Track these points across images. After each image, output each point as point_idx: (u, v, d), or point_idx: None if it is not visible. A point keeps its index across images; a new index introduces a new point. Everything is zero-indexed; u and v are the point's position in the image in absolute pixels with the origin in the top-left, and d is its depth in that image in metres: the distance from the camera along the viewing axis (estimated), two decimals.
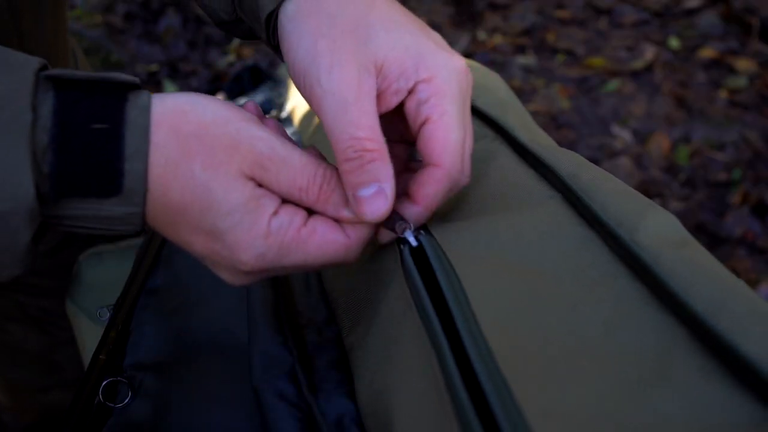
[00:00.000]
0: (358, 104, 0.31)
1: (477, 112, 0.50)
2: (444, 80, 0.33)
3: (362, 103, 0.31)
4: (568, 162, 0.39)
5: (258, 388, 0.39)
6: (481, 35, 1.95)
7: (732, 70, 1.76)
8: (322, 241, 0.33)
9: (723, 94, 1.70)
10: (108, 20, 1.91)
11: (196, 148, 0.30)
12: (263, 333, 0.43)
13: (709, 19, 1.91)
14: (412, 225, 0.34)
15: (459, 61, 0.34)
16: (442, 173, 0.33)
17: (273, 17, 0.36)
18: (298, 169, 0.32)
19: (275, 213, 0.32)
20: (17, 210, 0.27)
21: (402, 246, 0.35)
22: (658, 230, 0.32)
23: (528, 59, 1.86)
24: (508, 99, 0.55)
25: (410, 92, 0.33)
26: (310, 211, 0.34)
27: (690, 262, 0.30)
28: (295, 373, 0.40)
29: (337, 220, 0.34)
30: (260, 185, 0.32)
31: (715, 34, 1.87)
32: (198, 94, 0.32)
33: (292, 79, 0.34)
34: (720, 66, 1.78)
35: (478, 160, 0.43)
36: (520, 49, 1.90)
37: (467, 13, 2.05)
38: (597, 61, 1.82)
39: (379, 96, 0.33)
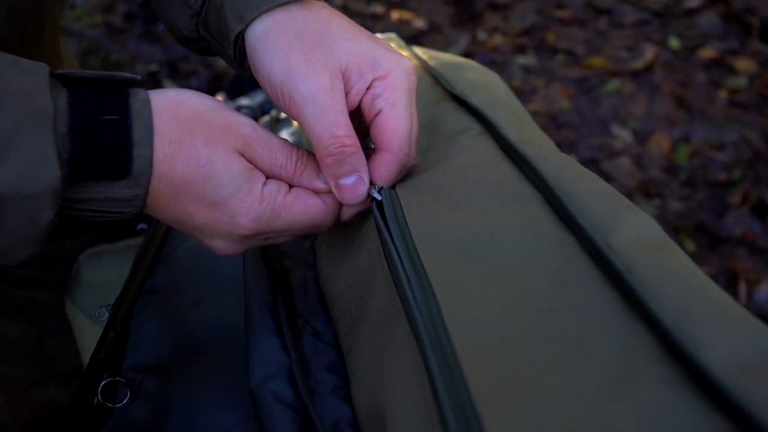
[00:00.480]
0: (335, 106, 0.36)
1: (468, 107, 0.50)
2: (395, 77, 0.38)
3: (337, 105, 0.37)
4: (555, 164, 0.39)
5: (255, 391, 0.39)
6: (481, 35, 1.95)
7: (732, 70, 1.76)
8: (306, 205, 0.38)
9: (723, 94, 1.70)
10: (108, 20, 1.91)
11: (196, 129, 0.35)
12: (261, 335, 0.43)
13: (709, 19, 1.91)
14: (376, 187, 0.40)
15: (407, 62, 0.40)
16: (393, 157, 0.39)
17: (240, 38, 0.40)
18: (277, 149, 0.38)
19: (264, 183, 0.37)
20: (46, 190, 0.31)
21: (373, 204, 0.39)
22: (633, 233, 0.33)
23: (528, 59, 1.86)
24: (506, 98, 0.55)
25: (367, 89, 0.39)
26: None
27: (662, 266, 0.30)
28: (293, 376, 0.39)
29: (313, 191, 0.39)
30: (248, 162, 0.37)
31: (715, 34, 1.87)
32: (184, 89, 0.37)
33: (267, 91, 0.39)
34: (720, 66, 1.78)
35: (463, 148, 0.43)
36: (520, 49, 1.90)
37: (467, 13, 2.05)
38: (597, 61, 1.82)
39: (345, 96, 0.38)
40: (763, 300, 1.26)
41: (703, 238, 1.38)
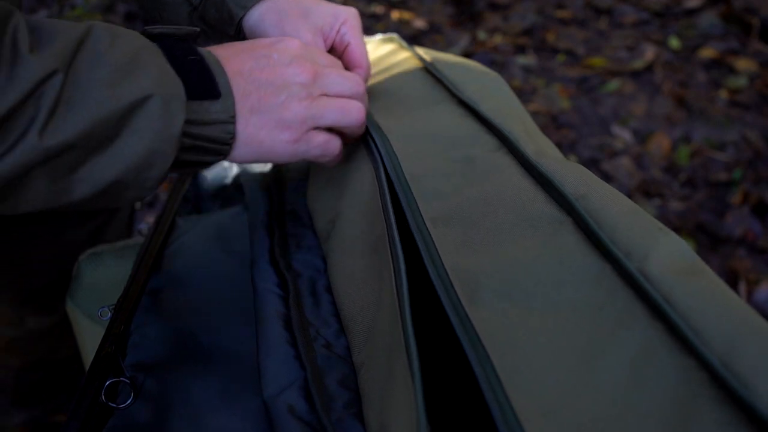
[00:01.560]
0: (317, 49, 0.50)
1: (481, 119, 0.50)
2: (351, 20, 0.54)
3: (319, 48, 0.52)
4: (575, 180, 0.39)
5: (269, 403, 0.39)
6: (481, 35, 1.95)
7: (732, 70, 1.76)
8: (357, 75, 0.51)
9: (723, 94, 1.70)
10: (108, 20, 1.91)
11: (249, 46, 0.46)
12: (274, 345, 0.43)
13: (709, 19, 1.91)
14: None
15: (354, 9, 0.56)
16: (364, 71, 0.54)
17: (239, 22, 0.53)
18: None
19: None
20: (177, 94, 0.38)
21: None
22: (668, 258, 0.32)
23: (528, 59, 1.86)
24: (511, 103, 0.55)
25: (336, 33, 0.54)
26: None
27: (702, 294, 0.30)
28: (308, 388, 0.39)
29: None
30: None
31: (715, 34, 1.87)
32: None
33: None
34: (720, 66, 1.78)
35: (484, 172, 0.42)
36: (520, 49, 1.90)
37: (467, 13, 2.05)
38: (597, 61, 1.82)
39: (324, 42, 0.54)
40: (763, 300, 1.26)
41: (704, 238, 1.38)
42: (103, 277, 0.61)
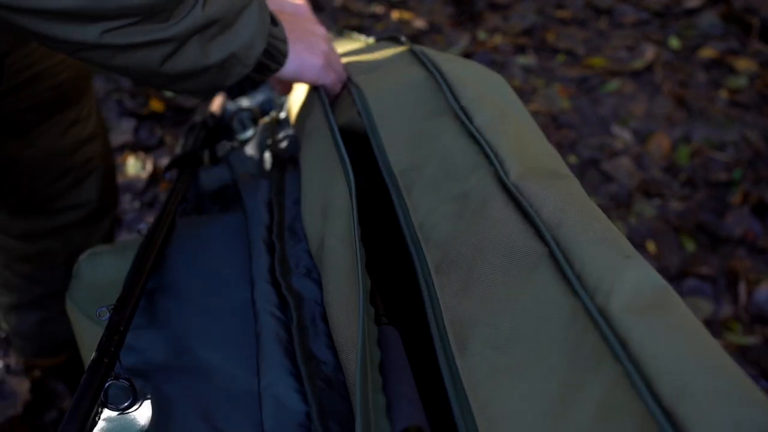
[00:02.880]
0: None
1: (471, 136, 0.51)
2: None
3: None
4: (553, 204, 0.41)
5: None
6: (481, 35, 1.95)
7: (732, 70, 1.76)
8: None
9: (723, 94, 1.70)
10: None
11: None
12: (275, 375, 0.43)
13: (709, 19, 1.91)
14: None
15: None
16: None
17: None
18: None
19: None
20: (265, 6, 0.56)
21: None
22: (632, 293, 0.34)
23: (528, 59, 1.86)
24: (509, 107, 0.56)
25: None
26: None
27: (660, 333, 0.32)
28: (310, 427, 0.39)
29: None
30: None
31: (715, 34, 1.87)
32: None
33: None
34: (720, 66, 1.78)
35: (477, 209, 0.45)
36: (520, 49, 1.90)
37: (467, 13, 2.05)
38: (597, 61, 1.82)
39: None
40: (763, 300, 1.26)
41: (704, 238, 1.38)
42: (102, 276, 0.61)
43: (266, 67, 0.59)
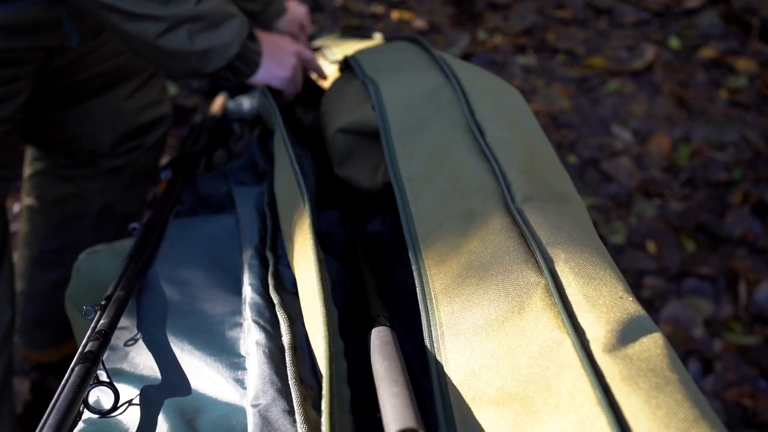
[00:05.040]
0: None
1: (482, 152, 0.52)
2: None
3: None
4: (551, 235, 0.43)
5: None
6: (481, 35, 1.95)
7: (732, 70, 1.76)
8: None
9: (723, 94, 1.70)
10: None
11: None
12: (265, 392, 0.42)
13: (709, 19, 1.91)
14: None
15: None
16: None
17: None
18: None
19: None
20: (246, 22, 0.73)
21: None
22: (609, 337, 0.36)
23: (528, 59, 1.86)
24: (523, 123, 0.56)
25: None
26: None
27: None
28: None
29: None
30: None
31: (715, 34, 1.87)
32: None
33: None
34: (720, 66, 1.78)
35: (477, 228, 0.46)
36: (520, 49, 1.90)
37: (467, 13, 2.05)
38: (597, 61, 1.82)
39: None
40: (763, 300, 1.25)
41: (704, 238, 1.38)
42: (102, 275, 0.61)
43: (240, 71, 0.74)
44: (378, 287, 0.48)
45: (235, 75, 0.74)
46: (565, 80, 1.77)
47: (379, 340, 0.41)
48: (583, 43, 1.90)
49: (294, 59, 0.80)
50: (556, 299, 0.39)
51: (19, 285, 1.02)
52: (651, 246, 1.36)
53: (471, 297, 0.42)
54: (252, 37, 0.74)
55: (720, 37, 1.86)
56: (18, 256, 1.03)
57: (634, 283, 1.30)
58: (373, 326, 0.42)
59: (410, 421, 0.33)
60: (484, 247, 0.45)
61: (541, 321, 0.38)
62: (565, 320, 0.37)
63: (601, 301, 0.37)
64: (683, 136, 1.59)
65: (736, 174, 1.48)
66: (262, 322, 0.48)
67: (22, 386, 1.09)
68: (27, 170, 1.00)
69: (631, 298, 0.38)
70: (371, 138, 0.61)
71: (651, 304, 1.27)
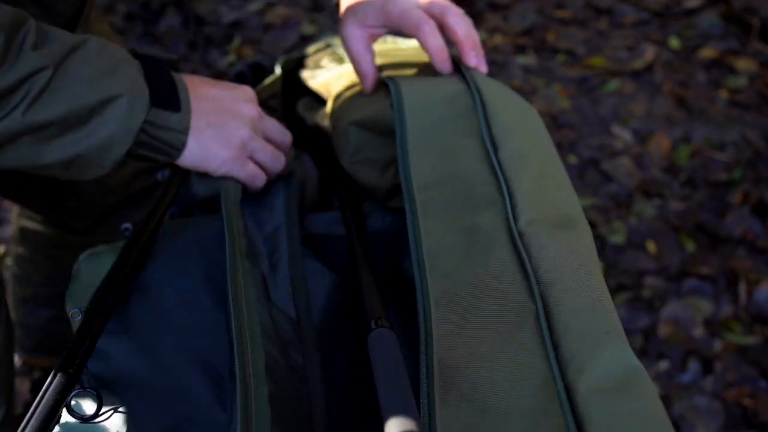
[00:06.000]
0: None
1: (491, 167, 0.51)
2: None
3: None
4: (552, 260, 0.43)
5: None
6: (482, 35, 1.95)
7: (732, 70, 1.76)
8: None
9: (723, 94, 1.70)
10: (108, 20, 1.91)
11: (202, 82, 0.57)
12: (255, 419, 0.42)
13: (709, 19, 1.91)
14: None
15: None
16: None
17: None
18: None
19: None
20: (142, 96, 0.50)
21: None
22: (603, 372, 0.36)
23: (528, 59, 1.86)
24: (537, 142, 0.56)
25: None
26: None
27: (621, 418, 0.34)
28: None
29: None
30: None
31: (715, 34, 1.87)
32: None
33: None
34: (720, 66, 1.78)
35: (483, 248, 0.46)
36: (520, 49, 1.90)
37: (467, 13, 2.05)
38: (597, 61, 1.82)
39: None
40: (763, 300, 1.25)
41: (704, 238, 1.38)
42: (102, 276, 0.61)
43: (151, 159, 0.53)
44: (378, 288, 0.48)
45: (146, 161, 0.54)
46: (565, 80, 1.77)
47: (379, 341, 0.41)
48: (583, 43, 1.90)
49: (244, 130, 0.56)
50: (544, 327, 0.39)
51: (13, 315, 0.99)
52: (651, 246, 1.36)
53: (466, 315, 0.43)
54: (170, 101, 0.51)
55: (720, 37, 1.86)
56: (10, 291, 0.99)
57: (634, 283, 1.31)
58: (373, 328, 0.42)
59: (411, 424, 0.33)
60: (484, 267, 0.45)
61: (532, 351, 0.39)
62: (549, 351, 0.38)
63: (588, 336, 0.38)
64: (683, 136, 1.59)
65: (736, 174, 1.48)
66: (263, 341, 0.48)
67: (22, 386, 1.09)
68: (16, 221, 0.94)
69: (617, 335, 0.38)
70: (385, 136, 0.61)
71: (651, 304, 1.27)
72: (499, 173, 0.50)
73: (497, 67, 1.81)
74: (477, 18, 2.02)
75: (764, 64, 1.76)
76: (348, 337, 0.55)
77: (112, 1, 1.96)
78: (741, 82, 1.72)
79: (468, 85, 0.60)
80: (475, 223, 0.48)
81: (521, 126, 0.56)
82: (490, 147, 0.52)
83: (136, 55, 0.53)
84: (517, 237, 0.45)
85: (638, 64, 1.80)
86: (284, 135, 0.62)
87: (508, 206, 0.47)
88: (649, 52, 1.82)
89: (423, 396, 0.39)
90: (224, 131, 0.55)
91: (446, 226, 0.49)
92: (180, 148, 0.53)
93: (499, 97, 0.59)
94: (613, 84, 1.75)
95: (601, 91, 1.74)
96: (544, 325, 0.40)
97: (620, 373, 0.36)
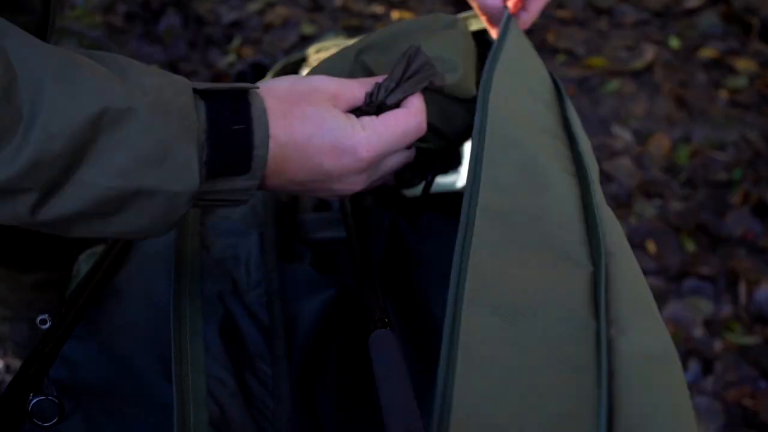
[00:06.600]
0: None
1: (569, 132, 0.50)
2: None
3: None
4: (614, 236, 0.41)
5: None
6: None
7: (732, 70, 1.76)
8: (394, 116, 0.46)
9: (723, 94, 1.70)
10: (108, 20, 1.91)
11: (296, 98, 0.43)
12: None
13: (710, 19, 1.91)
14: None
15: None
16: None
17: None
18: (356, 87, 0.47)
19: (357, 117, 0.46)
20: (187, 190, 0.38)
21: None
22: (644, 341, 0.35)
23: None
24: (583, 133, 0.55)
25: None
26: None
27: (657, 393, 0.32)
28: None
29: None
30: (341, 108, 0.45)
31: (715, 34, 1.87)
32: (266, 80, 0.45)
33: None
34: (720, 66, 1.78)
35: (540, 183, 0.44)
36: None
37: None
38: (597, 61, 1.82)
39: None
40: (763, 300, 1.25)
41: (704, 238, 1.38)
42: None
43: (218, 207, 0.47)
44: (378, 289, 0.48)
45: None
46: (565, 80, 1.77)
47: (379, 341, 0.41)
48: (583, 43, 1.90)
49: (341, 195, 0.47)
50: (601, 284, 0.37)
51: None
52: (651, 246, 1.36)
53: (513, 234, 0.40)
54: (236, 166, 0.40)
55: (720, 37, 1.86)
56: None
57: None
58: (373, 328, 0.42)
59: (413, 424, 0.33)
60: (550, 203, 0.43)
61: (577, 297, 0.38)
62: (601, 309, 0.36)
63: (637, 308, 0.37)
64: (683, 136, 1.59)
65: (736, 174, 1.48)
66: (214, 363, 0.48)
67: None
68: None
69: (660, 319, 0.37)
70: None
71: None
72: (582, 157, 0.48)
73: None
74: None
75: (764, 64, 1.76)
76: (340, 342, 0.55)
77: (112, 1, 1.96)
78: (741, 82, 1.72)
79: (553, 79, 0.58)
80: (543, 168, 0.45)
81: (581, 126, 0.54)
82: (575, 140, 0.49)
83: (207, 93, 0.40)
84: (594, 206, 0.43)
85: (638, 64, 1.80)
86: (410, 155, 0.51)
87: (589, 178, 0.45)
88: (649, 52, 1.82)
89: (450, 302, 0.35)
90: (310, 190, 0.46)
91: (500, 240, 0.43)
92: (246, 197, 0.43)
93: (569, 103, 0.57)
94: (613, 84, 1.75)
95: (601, 91, 1.74)
96: (602, 283, 0.37)
97: (659, 348, 0.35)
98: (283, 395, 0.49)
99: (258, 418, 0.48)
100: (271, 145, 0.41)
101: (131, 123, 0.35)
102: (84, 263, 0.63)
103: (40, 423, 0.41)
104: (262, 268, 0.55)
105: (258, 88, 0.42)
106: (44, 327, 0.45)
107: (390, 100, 0.47)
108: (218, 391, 0.46)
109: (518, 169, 0.44)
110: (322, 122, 0.43)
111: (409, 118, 0.47)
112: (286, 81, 0.45)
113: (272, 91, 0.43)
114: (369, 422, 0.46)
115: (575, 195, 0.44)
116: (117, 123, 0.35)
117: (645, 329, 0.35)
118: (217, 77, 1.81)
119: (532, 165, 0.45)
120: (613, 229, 0.42)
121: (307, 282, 0.56)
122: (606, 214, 0.43)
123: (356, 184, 0.46)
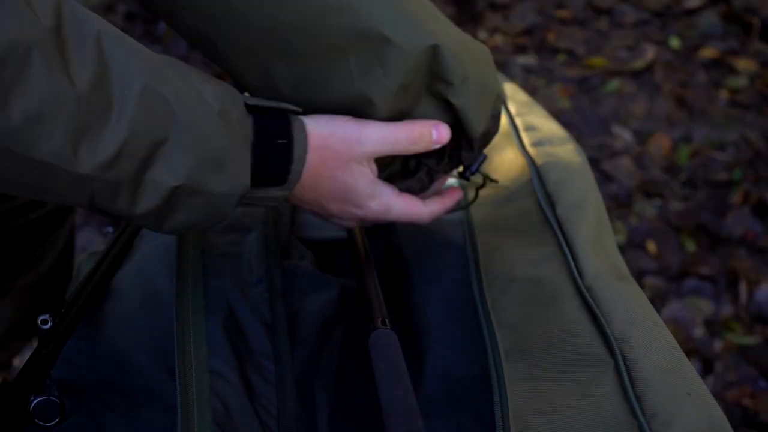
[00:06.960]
0: None
1: (549, 225, 0.52)
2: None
3: None
4: (623, 314, 0.43)
5: None
6: (482, 35, 1.95)
7: (732, 70, 1.76)
8: (411, 204, 0.50)
9: (723, 94, 1.70)
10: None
11: (333, 154, 0.46)
12: None
13: (710, 19, 1.91)
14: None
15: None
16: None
17: None
18: (402, 141, 0.48)
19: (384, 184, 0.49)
20: (240, 192, 0.42)
21: None
22: (690, 425, 0.36)
23: (528, 59, 1.86)
24: (588, 189, 0.56)
25: None
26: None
27: None
28: None
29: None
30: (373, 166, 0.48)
31: (715, 34, 1.87)
32: (317, 116, 0.46)
33: None
34: (720, 66, 1.78)
35: (546, 300, 0.46)
36: (520, 49, 1.90)
37: (468, 13, 2.05)
38: (597, 61, 1.82)
39: None
40: (764, 300, 1.25)
41: (704, 238, 1.38)
42: None
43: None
44: (379, 289, 0.48)
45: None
46: (565, 80, 1.77)
47: (380, 342, 0.41)
48: (583, 43, 1.90)
49: (364, 221, 0.52)
50: (626, 380, 0.39)
51: None
52: (651, 246, 1.36)
53: (539, 367, 0.42)
54: (273, 178, 0.44)
55: (720, 37, 1.86)
56: None
57: None
58: (374, 329, 0.42)
59: (413, 423, 0.33)
60: (555, 321, 0.45)
61: (612, 402, 0.39)
62: (633, 404, 0.37)
63: (671, 395, 0.38)
64: (683, 136, 1.59)
65: (736, 174, 1.48)
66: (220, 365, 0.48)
67: None
68: None
69: (699, 395, 0.38)
70: None
71: (651, 304, 1.27)
72: (558, 231, 0.50)
73: (497, 67, 1.81)
74: (477, 18, 2.03)
75: (764, 64, 1.76)
76: (340, 341, 0.55)
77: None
78: (741, 82, 1.72)
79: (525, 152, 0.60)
80: (537, 275, 0.48)
81: (573, 175, 0.56)
82: (547, 206, 0.53)
83: (258, 111, 0.44)
84: (585, 292, 0.45)
85: (638, 64, 1.80)
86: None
87: (571, 261, 0.48)
88: (650, 52, 1.82)
89: None
90: (330, 213, 0.50)
91: (507, 278, 0.49)
92: (276, 206, 0.48)
93: (549, 145, 0.59)
94: (613, 84, 1.75)
95: (602, 91, 1.74)
96: (626, 379, 0.39)
97: (704, 424, 0.36)
98: (287, 392, 0.49)
99: (262, 415, 0.47)
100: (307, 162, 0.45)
101: (205, 127, 0.40)
102: (84, 264, 0.63)
103: (41, 423, 0.41)
104: (264, 265, 0.55)
105: (301, 111, 0.45)
106: (45, 327, 0.45)
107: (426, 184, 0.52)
108: (222, 389, 0.46)
109: (522, 300, 0.48)
110: (350, 187, 0.47)
111: (424, 211, 0.51)
112: (334, 124, 0.47)
113: (316, 122, 0.46)
114: (369, 422, 0.46)
115: (566, 278, 0.47)
116: (177, 138, 0.38)
117: (687, 415, 0.36)
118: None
119: (534, 288, 0.48)
120: (618, 307, 0.43)
121: (308, 280, 0.56)
122: (607, 290, 0.45)
123: (351, 225, 0.52)
